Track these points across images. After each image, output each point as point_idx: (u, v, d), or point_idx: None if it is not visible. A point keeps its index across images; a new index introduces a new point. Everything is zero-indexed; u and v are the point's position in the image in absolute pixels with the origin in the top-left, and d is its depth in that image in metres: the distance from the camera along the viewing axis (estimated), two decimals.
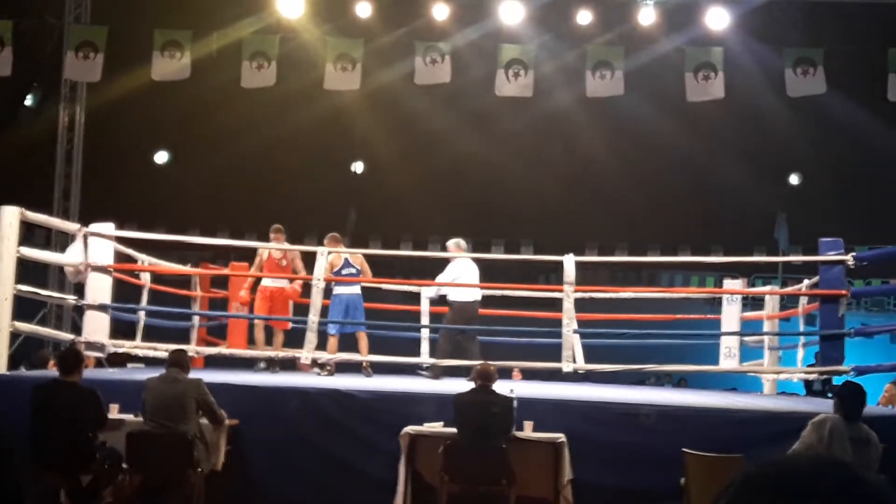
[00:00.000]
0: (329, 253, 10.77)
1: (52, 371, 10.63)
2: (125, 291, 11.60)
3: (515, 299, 12.54)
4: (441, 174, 23.96)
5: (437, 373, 10.69)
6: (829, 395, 9.88)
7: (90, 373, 9.24)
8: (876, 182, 22.96)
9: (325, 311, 10.65)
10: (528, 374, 13.18)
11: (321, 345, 10.47)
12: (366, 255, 11.45)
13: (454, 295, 11.08)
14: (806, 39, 15.76)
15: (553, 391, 9.78)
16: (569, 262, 10.14)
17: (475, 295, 11.14)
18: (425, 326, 11.64)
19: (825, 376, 10.46)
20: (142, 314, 11.31)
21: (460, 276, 11.08)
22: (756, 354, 12.36)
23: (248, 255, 14.40)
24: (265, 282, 11.31)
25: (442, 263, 11.37)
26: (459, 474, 7.65)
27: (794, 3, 16.56)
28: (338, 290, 10.95)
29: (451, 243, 11.39)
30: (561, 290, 10.14)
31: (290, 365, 11.27)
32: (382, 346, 11.43)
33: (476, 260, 11.50)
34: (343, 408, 8.62)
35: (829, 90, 15.05)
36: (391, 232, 23.98)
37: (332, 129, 22.92)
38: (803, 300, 11.38)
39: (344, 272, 10.91)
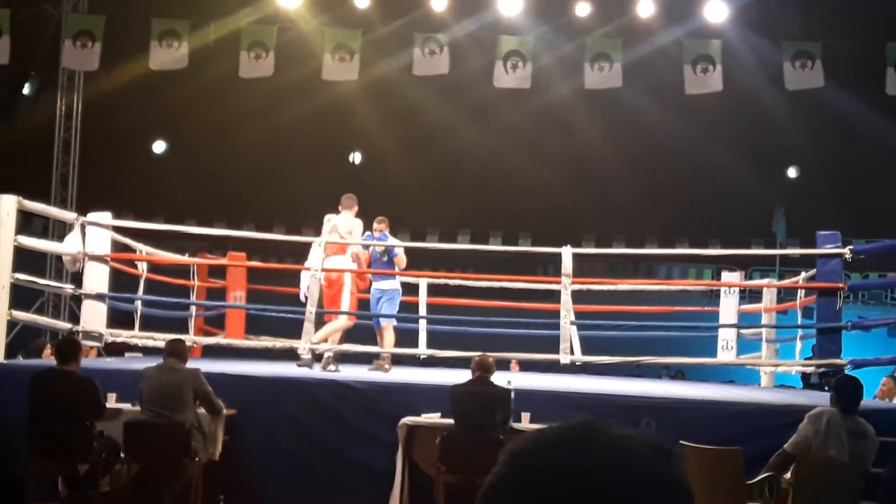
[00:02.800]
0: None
1: (46, 360, 10.64)
2: (122, 281, 11.58)
3: (513, 291, 12.53)
4: (439, 165, 23.93)
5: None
6: (826, 388, 9.89)
7: (87, 362, 9.23)
8: (874, 175, 22.95)
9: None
10: (526, 366, 13.19)
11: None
12: (364, 246, 11.40)
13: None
14: (804, 32, 15.73)
15: (550, 383, 9.79)
16: (566, 254, 10.14)
17: None
18: (423, 317, 11.65)
19: (822, 369, 10.46)
20: (139, 304, 11.31)
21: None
22: (753, 347, 12.37)
23: (246, 246, 14.42)
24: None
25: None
26: (456, 465, 7.66)
27: None
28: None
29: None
30: (559, 282, 10.14)
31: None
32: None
33: (474, 251, 11.50)
34: (341, 399, 8.63)
35: (828, 83, 15.04)
36: (389, 223, 23.94)
37: (331, 120, 22.87)
38: (801, 293, 11.39)
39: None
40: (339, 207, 10.79)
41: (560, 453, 1.16)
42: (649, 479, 1.15)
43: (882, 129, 19.99)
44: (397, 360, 11.29)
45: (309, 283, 10.32)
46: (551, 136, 24.00)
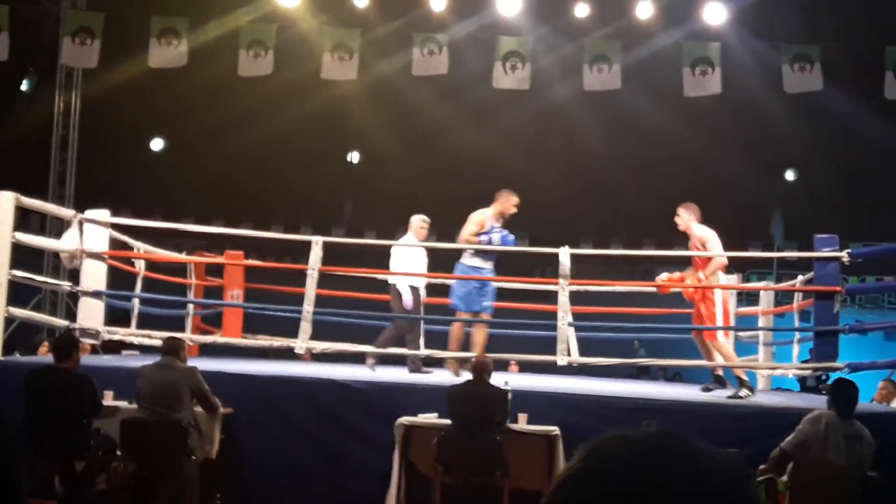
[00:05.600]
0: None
1: (42, 357, 10.62)
2: (120, 278, 11.57)
3: (511, 291, 12.52)
4: (437, 165, 23.93)
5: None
6: (823, 391, 9.89)
7: (84, 359, 9.21)
8: (872, 179, 22.98)
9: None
10: (523, 367, 13.18)
11: None
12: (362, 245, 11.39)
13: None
14: (803, 36, 15.75)
15: (547, 384, 9.78)
16: (564, 255, 10.13)
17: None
18: (428, 318, 11.62)
19: (819, 373, 10.45)
20: (136, 301, 11.29)
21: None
22: (750, 350, 12.37)
23: (244, 244, 14.37)
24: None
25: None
26: (453, 465, 7.65)
27: None
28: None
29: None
30: (556, 283, 10.13)
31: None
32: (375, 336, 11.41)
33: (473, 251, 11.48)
34: (338, 398, 8.62)
35: (826, 86, 15.04)
36: (387, 223, 23.97)
37: (329, 119, 22.88)
38: (798, 296, 11.38)
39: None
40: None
41: (640, 459, 1.15)
42: (725, 497, 1.14)
43: (880, 132, 20.01)
44: (395, 361, 11.28)
45: (408, 292, 10.40)
46: (550, 137, 24.02)
